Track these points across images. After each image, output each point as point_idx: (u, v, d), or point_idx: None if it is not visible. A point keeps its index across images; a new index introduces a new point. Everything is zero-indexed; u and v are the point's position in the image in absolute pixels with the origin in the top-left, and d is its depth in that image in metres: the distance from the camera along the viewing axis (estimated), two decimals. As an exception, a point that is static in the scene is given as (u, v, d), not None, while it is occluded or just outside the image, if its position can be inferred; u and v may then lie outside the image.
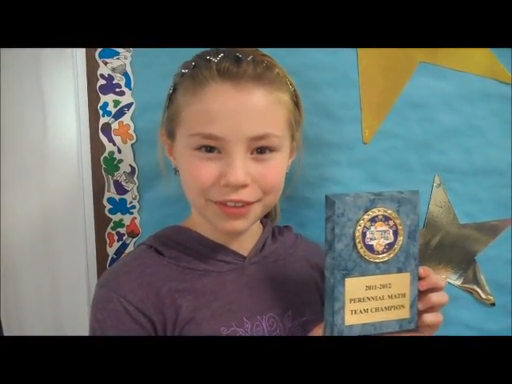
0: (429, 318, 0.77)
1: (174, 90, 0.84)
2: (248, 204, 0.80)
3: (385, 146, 1.10)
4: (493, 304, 1.15)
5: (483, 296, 1.15)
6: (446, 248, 1.13)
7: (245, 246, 0.89)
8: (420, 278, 0.77)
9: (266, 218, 0.97)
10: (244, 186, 0.78)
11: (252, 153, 0.79)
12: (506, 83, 1.09)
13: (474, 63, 1.08)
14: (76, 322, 1.06)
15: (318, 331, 0.77)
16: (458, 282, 1.14)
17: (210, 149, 0.78)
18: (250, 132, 0.77)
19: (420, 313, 0.77)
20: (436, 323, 0.78)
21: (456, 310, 1.13)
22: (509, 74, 1.09)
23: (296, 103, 0.86)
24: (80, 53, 1.01)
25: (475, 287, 1.15)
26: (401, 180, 1.10)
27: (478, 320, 1.15)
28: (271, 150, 0.80)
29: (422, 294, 0.77)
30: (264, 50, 0.85)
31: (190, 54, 0.85)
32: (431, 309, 0.77)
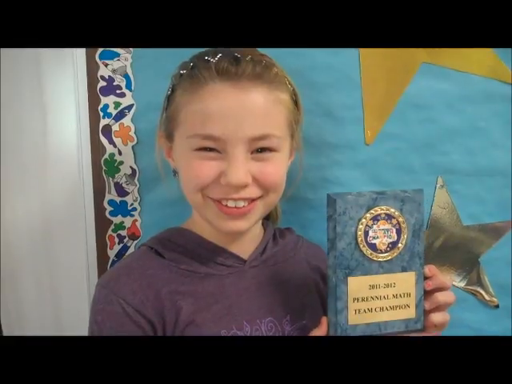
0: (436, 317, 0.77)
1: (173, 90, 0.84)
2: (249, 203, 0.80)
3: (387, 147, 1.09)
4: (497, 306, 1.14)
5: (487, 298, 1.14)
6: (450, 250, 1.13)
7: (246, 248, 0.89)
8: (426, 278, 0.77)
9: (267, 220, 0.97)
10: (245, 185, 0.78)
11: (252, 153, 0.79)
12: (509, 84, 1.09)
13: (477, 64, 1.08)
14: (77, 325, 1.05)
15: (316, 333, 0.77)
16: (462, 284, 1.14)
17: (210, 149, 0.78)
18: (251, 132, 0.76)
19: (427, 313, 0.77)
20: (443, 323, 0.78)
21: (459, 312, 1.12)
22: (512, 75, 1.08)
23: (295, 102, 0.86)
24: (80, 54, 1.01)
25: (479, 289, 1.14)
26: (403, 181, 1.09)
27: (481, 322, 1.14)
28: (271, 150, 0.80)
29: (428, 293, 0.77)
30: (265, 51, 0.84)
31: (190, 54, 0.84)
32: (438, 308, 0.77)
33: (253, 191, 0.79)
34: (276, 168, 0.81)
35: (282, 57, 0.85)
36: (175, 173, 0.88)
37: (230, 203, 0.79)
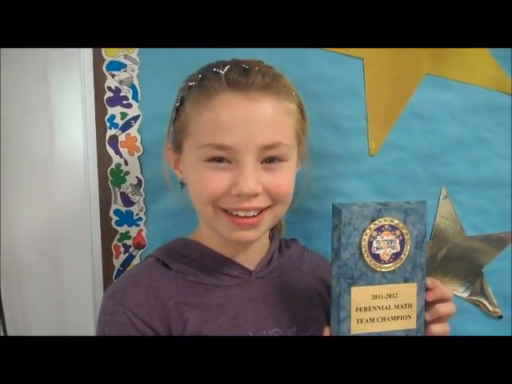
0: (436, 328, 0.78)
1: (182, 102, 0.84)
2: (259, 213, 0.80)
3: (391, 157, 1.10)
4: (500, 317, 1.15)
5: (490, 309, 1.14)
6: (453, 260, 1.13)
7: (252, 259, 0.89)
8: (427, 289, 0.77)
9: (273, 231, 0.97)
10: (255, 195, 0.78)
11: (262, 162, 0.79)
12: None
13: (480, 75, 1.09)
14: (82, 334, 1.05)
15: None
16: (465, 295, 1.14)
17: (220, 159, 0.78)
18: (261, 141, 0.77)
19: (427, 323, 0.77)
20: (443, 334, 0.78)
21: (463, 323, 1.12)
22: (516, 86, 1.09)
23: (302, 112, 0.86)
24: (87, 65, 1.02)
25: (482, 300, 1.14)
26: (407, 192, 1.10)
27: (484, 332, 1.14)
28: (280, 159, 0.80)
29: (429, 304, 0.77)
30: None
31: (197, 65, 0.85)
32: (438, 319, 0.78)
33: (263, 201, 0.80)
34: (285, 178, 0.82)
35: (285, 68, 0.85)
36: (182, 185, 0.89)
37: (240, 213, 0.79)
